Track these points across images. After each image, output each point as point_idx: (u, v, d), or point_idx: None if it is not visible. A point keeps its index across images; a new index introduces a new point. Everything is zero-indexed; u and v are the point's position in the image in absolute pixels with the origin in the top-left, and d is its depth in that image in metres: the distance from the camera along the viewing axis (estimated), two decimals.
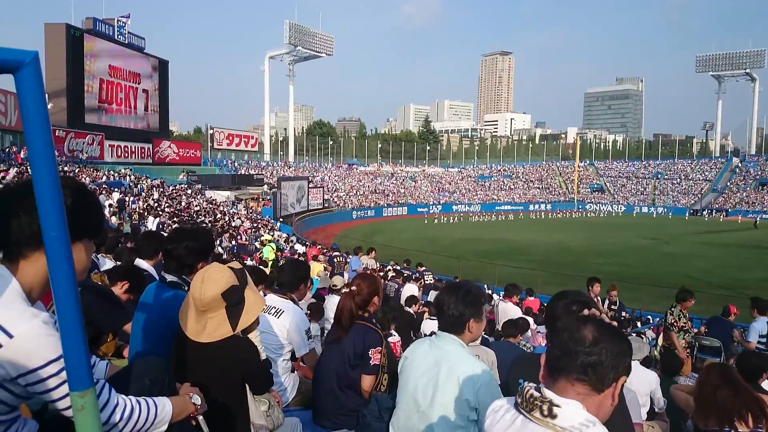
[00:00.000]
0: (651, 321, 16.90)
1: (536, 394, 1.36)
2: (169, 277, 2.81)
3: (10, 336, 1.34)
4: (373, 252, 17.30)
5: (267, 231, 31.28)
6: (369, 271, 16.15)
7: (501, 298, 10.41)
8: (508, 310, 9.10)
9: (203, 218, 28.56)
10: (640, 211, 72.88)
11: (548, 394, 1.35)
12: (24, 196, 1.38)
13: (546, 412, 1.33)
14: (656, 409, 4.81)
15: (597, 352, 1.35)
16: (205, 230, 3.27)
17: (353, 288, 3.35)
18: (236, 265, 2.46)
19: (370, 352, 3.20)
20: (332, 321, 3.63)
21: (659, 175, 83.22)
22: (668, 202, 75.70)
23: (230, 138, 60.23)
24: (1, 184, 20.34)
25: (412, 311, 8.63)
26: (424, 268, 20.23)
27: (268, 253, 13.20)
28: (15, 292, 1.40)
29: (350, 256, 13.41)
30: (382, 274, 17.88)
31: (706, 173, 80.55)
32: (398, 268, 19.09)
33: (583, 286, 9.54)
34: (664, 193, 78.88)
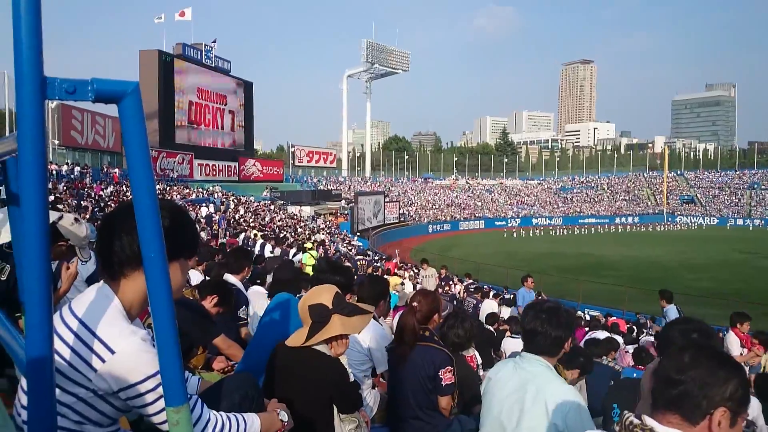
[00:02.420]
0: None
1: (636, 421, 1.29)
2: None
3: (113, 352, 1.40)
4: (426, 264, 17.17)
5: (345, 245, 31.77)
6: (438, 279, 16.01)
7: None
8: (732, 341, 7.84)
9: (284, 233, 29.40)
10: (735, 223, 68.18)
11: (649, 422, 1.28)
12: (125, 219, 1.44)
13: None
14: None
15: (684, 380, 1.27)
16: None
17: (414, 305, 3.33)
18: (367, 307, 2.60)
19: (440, 373, 3.17)
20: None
21: (755, 185, 77.67)
22: (766, 213, 70.39)
23: (310, 155, 61.89)
24: (100, 201, 21.85)
25: (492, 329, 8.46)
26: (471, 280, 19.94)
27: (307, 259, 14.15)
28: (116, 309, 1.47)
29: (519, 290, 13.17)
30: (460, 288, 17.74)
31: None
32: (447, 275, 18.87)
33: (676, 303, 9.02)
34: (761, 204, 73.43)
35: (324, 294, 2.44)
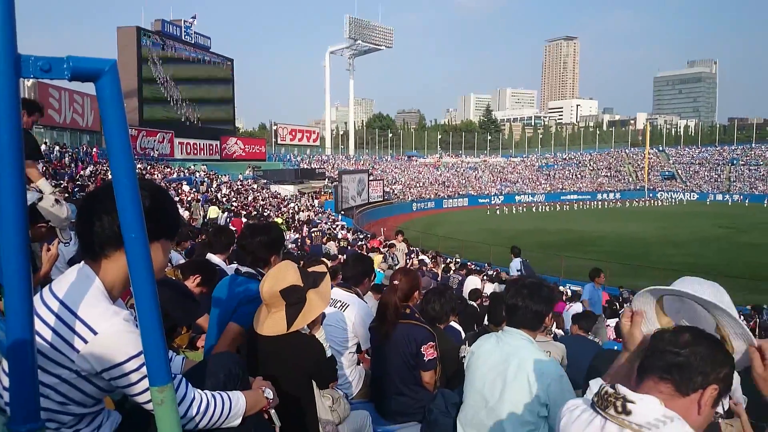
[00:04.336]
0: None
1: (610, 390, 1.30)
2: (244, 269, 2.97)
3: (95, 333, 1.40)
4: (401, 236, 17.10)
5: (329, 224, 31.73)
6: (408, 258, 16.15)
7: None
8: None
9: (269, 212, 29.27)
10: (715, 198, 69.20)
11: (622, 390, 1.29)
12: (105, 199, 1.43)
13: (620, 409, 1.26)
14: (733, 405, 4.56)
15: (686, 354, 1.29)
16: (277, 225, 3.40)
17: (395, 283, 3.36)
18: (320, 268, 2.53)
19: (422, 349, 3.23)
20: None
21: (735, 161, 78.73)
22: (745, 189, 71.44)
23: (293, 133, 61.32)
24: (78, 181, 21.53)
25: (475, 305, 8.55)
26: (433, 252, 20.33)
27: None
28: (98, 290, 1.47)
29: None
30: (443, 266, 17.86)
31: None
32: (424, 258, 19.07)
33: (655, 277, 9.26)
34: (740, 179, 74.58)
35: (289, 273, 2.34)
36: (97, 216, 1.45)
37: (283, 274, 2.34)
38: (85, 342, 1.40)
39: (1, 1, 0.87)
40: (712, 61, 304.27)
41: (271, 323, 2.30)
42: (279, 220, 22.37)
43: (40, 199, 3.12)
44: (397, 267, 9.92)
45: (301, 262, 3.83)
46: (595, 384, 1.38)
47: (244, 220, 20.34)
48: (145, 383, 1.40)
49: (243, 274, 2.93)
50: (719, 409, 2.98)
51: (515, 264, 13.12)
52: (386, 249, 16.24)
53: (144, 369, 1.36)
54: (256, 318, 2.38)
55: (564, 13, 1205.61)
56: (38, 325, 1.37)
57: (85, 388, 1.46)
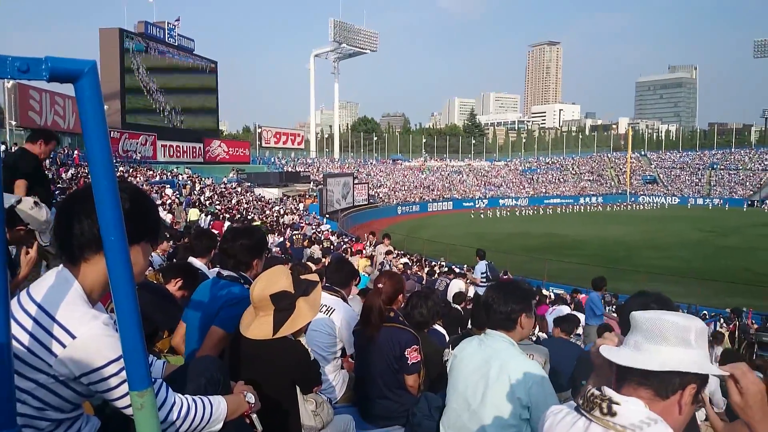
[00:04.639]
0: (707, 317, 16.28)
1: (596, 392, 1.32)
2: (226, 272, 2.93)
3: (73, 337, 1.39)
4: (387, 239, 17.13)
5: (313, 228, 31.64)
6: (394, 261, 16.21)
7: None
8: None
9: (252, 215, 29.10)
10: (695, 202, 70.29)
11: (608, 392, 1.31)
12: (85, 201, 1.42)
13: (605, 410, 1.28)
14: (714, 410, 4.63)
15: None
16: (259, 229, 3.37)
17: (379, 286, 3.36)
18: (313, 277, 2.52)
19: (406, 353, 3.22)
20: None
21: (715, 166, 79.93)
22: (725, 193, 72.57)
23: (278, 136, 61.09)
24: (59, 184, 21.26)
25: (459, 308, 8.57)
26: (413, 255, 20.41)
27: None
28: (77, 294, 1.45)
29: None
30: (427, 270, 17.88)
31: (766, 162, 76.83)
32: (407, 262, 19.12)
33: (638, 281, 9.31)
34: (720, 184, 75.72)
35: (281, 279, 2.32)
36: (76, 218, 1.44)
37: (275, 279, 2.31)
38: (64, 346, 1.38)
39: None
40: (692, 67, 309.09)
41: (257, 327, 2.27)
42: (258, 223, 22.26)
43: (19, 201, 3.08)
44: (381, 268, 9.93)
45: (289, 265, 3.82)
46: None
47: (227, 223, 20.23)
48: (125, 388, 1.38)
49: (225, 278, 2.91)
50: (699, 414, 3.02)
51: (480, 267, 13.20)
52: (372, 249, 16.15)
53: (123, 373, 1.35)
54: (242, 320, 2.36)
55: (547, 18, 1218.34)
56: (15, 329, 1.35)
57: (64, 393, 1.44)
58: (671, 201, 71.82)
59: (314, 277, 2.55)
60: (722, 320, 15.89)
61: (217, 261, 3.10)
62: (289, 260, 12.07)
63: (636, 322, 1.36)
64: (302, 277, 2.46)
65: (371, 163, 76.00)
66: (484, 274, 12.96)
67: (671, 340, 1.28)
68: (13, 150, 24.45)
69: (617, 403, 1.28)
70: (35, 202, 3.11)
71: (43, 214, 3.09)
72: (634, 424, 1.25)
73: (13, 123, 29.21)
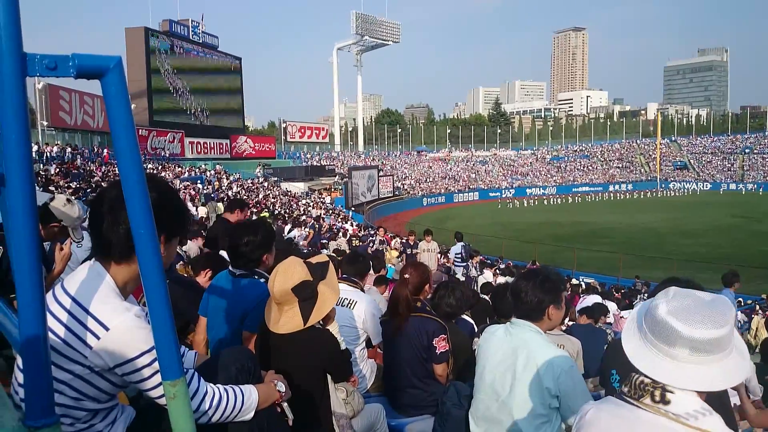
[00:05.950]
0: (742, 303, 15.95)
1: (647, 380, 1.30)
2: (238, 272, 2.90)
3: (107, 329, 1.42)
4: (429, 236, 16.86)
5: (339, 220, 31.77)
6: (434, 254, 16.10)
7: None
8: None
9: (279, 210, 29.36)
10: (728, 188, 68.45)
11: (662, 379, 1.29)
12: (114, 197, 1.44)
13: (658, 398, 1.27)
14: (751, 398, 4.53)
15: None
16: (264, 222, 3.30)
17: (406, 276, 3.35)
18: (322, 258, 2.52)
19: (434, 342, 3.22)
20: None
21: (748, 150, 77.78)
22: (759, 177, 70.45)
23: (302, 131, 61.40)
24: (91, 182, 21.71)
25: (487, 298, 8.52)
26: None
27: None
28: (109, 287, 1.48)
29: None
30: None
31: None
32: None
33: (669, 268, 9.10)
34: (754, 168, 73.61)
35: (297, 269, 2.32)
36: (108, 214, 1.47)
37: (291, 271, 2.31)
38: (98, 338, 1.41)
39: (6, 1, 0.87)
40: (723, 49, 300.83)
41: (288, 321, 2.28)
42: (265, 214, 22.25)
43: (52, 198, 3.15)
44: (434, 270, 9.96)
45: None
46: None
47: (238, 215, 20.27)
48: (158, 378, 1.41)
49: (238, 276, 2.88)
50: (733, 400, 2.96)
51: (455, 248, 14.40)
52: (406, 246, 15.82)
53: (156, 364, 1.38)
54: (267, 317, 2.37)
55: (572, 3, 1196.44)
56: (51, 321, 1.39)
57: (99, 384, 1.48)
58: (703, 187, 70.11)
59: (322, 257, 2.54)
60: (758, 307, 15.54)
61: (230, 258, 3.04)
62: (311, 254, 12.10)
63: (672, 331, 1.26)
64: (313, 261, 2.45)
65: (395, 155, 75.85)
66: (459, 255, 14.18)
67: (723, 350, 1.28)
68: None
69: (671, 392, 1.26)
70: (68, 200, 3.18)
71: (76, 210, 3.17)
72: (689, 413, 1.23)
73: (45, 123, 29.91)
